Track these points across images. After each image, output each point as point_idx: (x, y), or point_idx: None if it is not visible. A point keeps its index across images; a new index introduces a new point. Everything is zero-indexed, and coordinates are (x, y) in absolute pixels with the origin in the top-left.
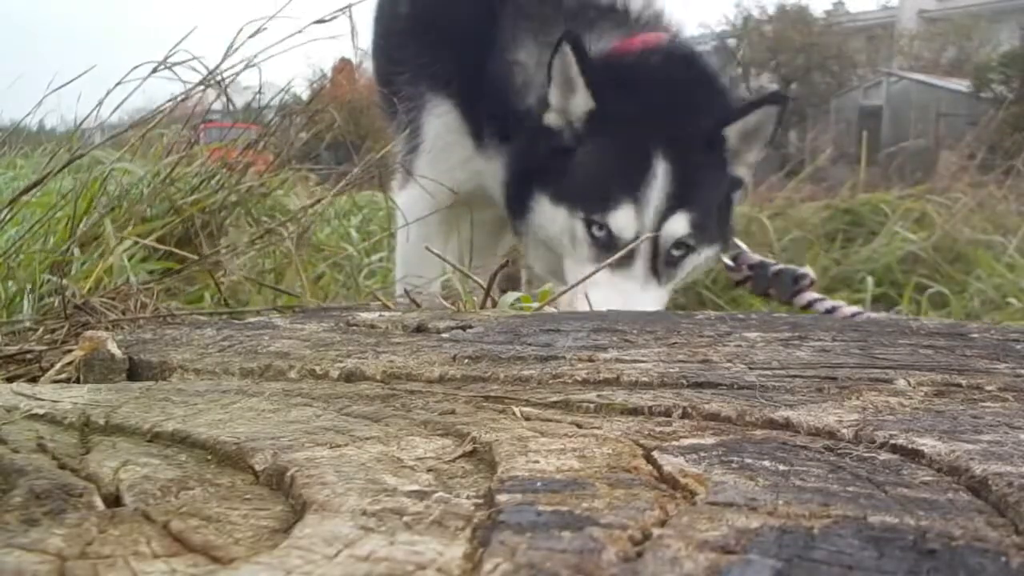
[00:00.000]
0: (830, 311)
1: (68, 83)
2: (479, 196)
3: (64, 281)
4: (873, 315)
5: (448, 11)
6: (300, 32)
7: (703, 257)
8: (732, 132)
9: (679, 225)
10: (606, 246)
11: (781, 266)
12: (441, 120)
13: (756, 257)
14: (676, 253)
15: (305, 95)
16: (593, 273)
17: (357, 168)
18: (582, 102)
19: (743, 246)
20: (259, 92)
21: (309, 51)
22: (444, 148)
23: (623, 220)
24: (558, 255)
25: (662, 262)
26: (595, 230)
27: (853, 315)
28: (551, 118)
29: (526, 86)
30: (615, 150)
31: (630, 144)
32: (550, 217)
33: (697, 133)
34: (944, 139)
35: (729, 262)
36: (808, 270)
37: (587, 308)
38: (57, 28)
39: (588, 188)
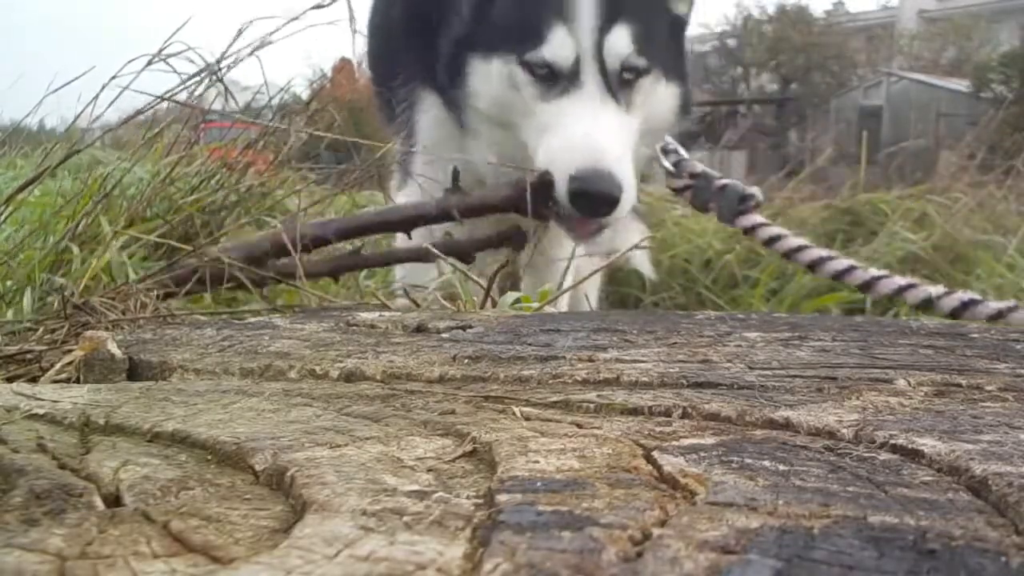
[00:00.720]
0: (774, 239)
1: (68, 83)
2: (475, 187)
3: (63, 280)
4: (823, 252)
5: (435, 10)
6: (298, 18)
7: (663, 88)
8: None
9: (621, 40)
10: (551, 81)
11: (727, 181)
12: (430, 114)
13: (700, 167)
14: (628, 76)
15: (305, 95)
16: (594, 273)
17: (352, 166)
18: None
19: (684, 153)
20: (263, 85)
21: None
22: (436, 143)
23: (558, 46)
24: (509, 126)
25: (615, 84)
26: (536, 69)
27: (798, 248)
28: None
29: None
30: None
31: None
32: (485, 75)
33: None
34: (944, 139)
35: (670, 167)
36: (756, 190)
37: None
38: (57, 28)
39: (513, 28)
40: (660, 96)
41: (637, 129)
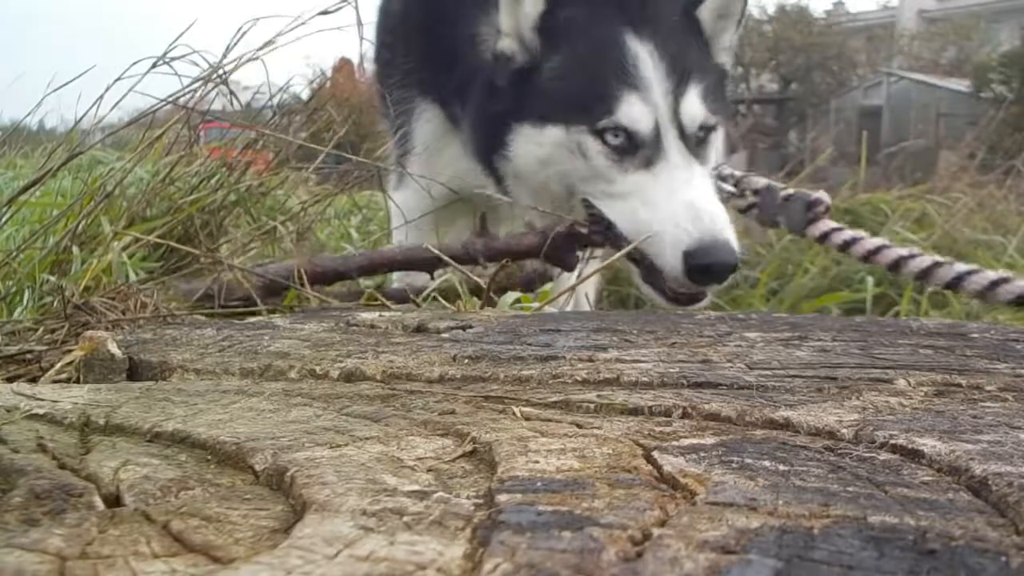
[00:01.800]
0: (850, 243)
1: (68, 83)
2: (471, 194)
3: (63, 281)
4: (903, 251)
5: (431, 14)
6: (304, 23)
7: (720, 137)
8: (705, 12)
9: (695, 102)
10: (627, 150)
11: (792, 191)
12: (430, 126)
13: (763, 181)
14: (701, 135)
15: (305, 95)
16: (593, 273)
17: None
18: (531, 6)
19: (737, 172)
20: (266, 86)
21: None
22: (434, 153)
23: (636, 112)
24: (556, 190)
25: (693, 146)
26: (609, 138)
27: (877, 249)
28: (505, 43)
29: (485, 49)
30: (586, 47)
31: (599, 34)
32: (538, 143)
33: (668, 12)
34: (944, 139)
35: (731, 188)
36: (823, 195)
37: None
38: (57, 28)
39: (577, 96)
40: (720, 143)
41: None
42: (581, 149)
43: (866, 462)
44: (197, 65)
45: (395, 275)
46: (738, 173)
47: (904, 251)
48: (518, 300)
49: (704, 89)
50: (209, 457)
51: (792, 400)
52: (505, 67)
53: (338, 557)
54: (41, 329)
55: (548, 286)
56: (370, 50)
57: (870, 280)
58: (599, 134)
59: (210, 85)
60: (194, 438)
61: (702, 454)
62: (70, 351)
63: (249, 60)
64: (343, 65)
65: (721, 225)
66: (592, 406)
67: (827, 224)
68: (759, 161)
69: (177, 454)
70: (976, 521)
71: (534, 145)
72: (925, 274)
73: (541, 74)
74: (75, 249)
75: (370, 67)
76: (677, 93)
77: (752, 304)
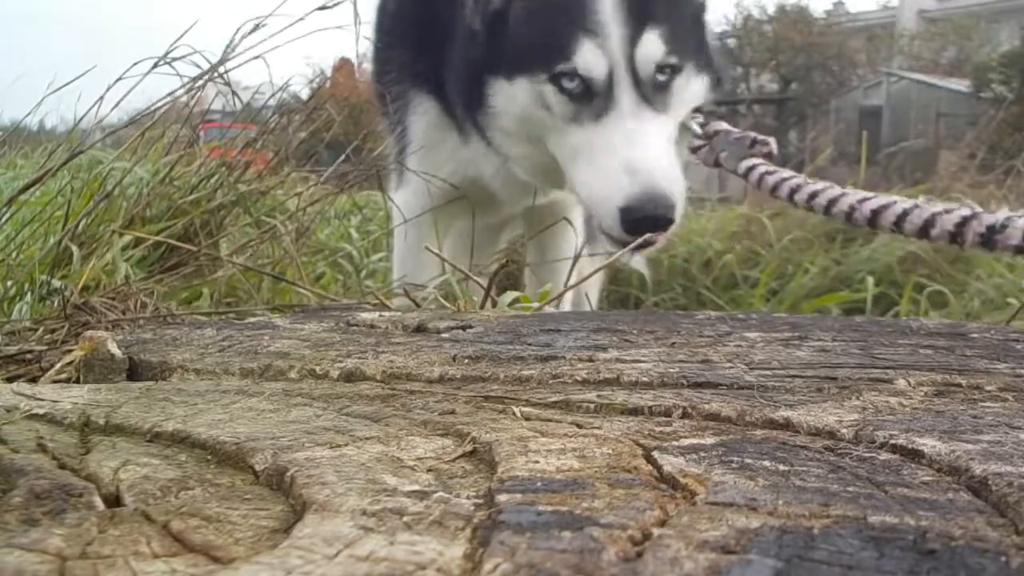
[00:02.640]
0: (766, 173)
1: (68, 83)
2: (472, 189)
3: (63, 281)
4: (813, 186)
5: (426, 8)
6: (303, 19)
7: (695, 83)
8: None
9: (652, 45)
10: (584, 100)
11: (746, 133)
12: (425, 119)
13: (723, 125)
14: (662, 78)
15: (304, 94)
16: (594, 273)
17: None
18: None
19: (723, 124)
20: (268, 84)
21: (308, 51)
22: (431, 146)
23: (590, 59)
24: (538, 141)
25: (649, 90)
26: (567, 85)
27: (792, 183)
28: None
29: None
30: None
31: None
32: (511, 96)
33: None
34: (944, 139)
35: (697, 128)
36: (771, 139)
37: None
38: (57, 27)
39: (537, 44)
40: (693, 89)
41: (674, 127)
42: (544, 100)
43: (866, 462)
44: (198, 66)
45: (395, 275)
46: (700, 117)
47: (820, 185)
48: (517, 300)
49: (667, 29)
50: (209, 457)
51: (792, 400)
52: (482, 9)
53: (338, 557)
54: (41, 329)
55: (548, 286)
56: (369, 49)
57: (870, 280)
58: (558, 83)
59: (210, 84)
60: (194, 438)
61: (702, 454)
62: (70, 351)
63: (249, 60)
64: (343, 65)
65: (659, 178)
66: (592, 406)
67: (755, 161)
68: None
69: (177, 454)
70: (976, 521)
71: (508, 99)
72: (831, 205)
73: (510, 19)
74: (75, 249)
75: (369, 66)
76: (634, 36)
77: (752, 304)
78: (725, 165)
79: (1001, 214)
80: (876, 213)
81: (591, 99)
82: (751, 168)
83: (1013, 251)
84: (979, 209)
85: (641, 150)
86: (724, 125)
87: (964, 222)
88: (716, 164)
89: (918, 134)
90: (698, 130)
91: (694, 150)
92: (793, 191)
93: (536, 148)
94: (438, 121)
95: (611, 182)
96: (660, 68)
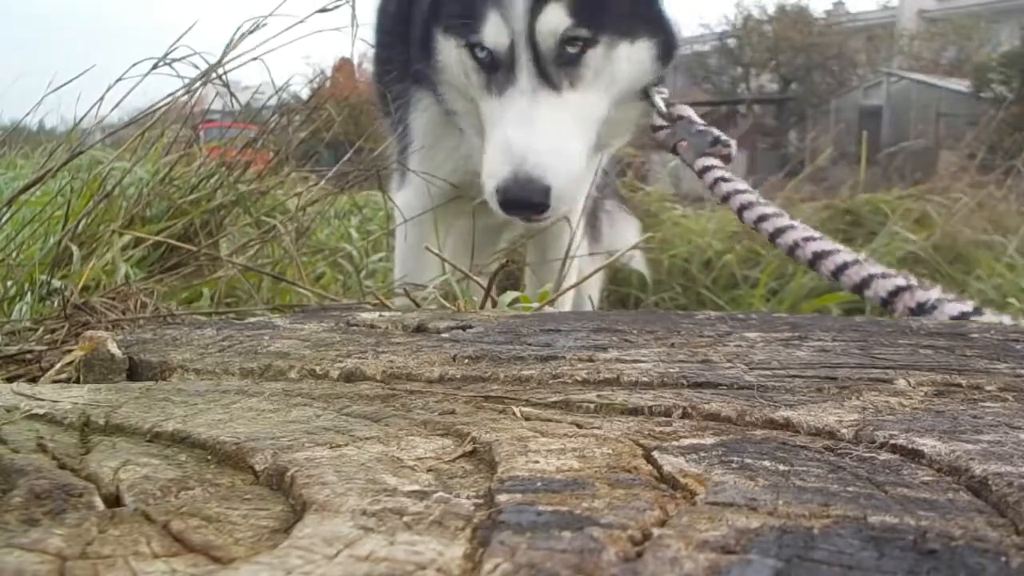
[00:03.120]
0: (718, 180)
1: (68, 83)
2: (473, 187)
3: (63, 281)
4: (748, 196)
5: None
6: (302, 22)
7: (628, 50)
8: None
9: (554, 16)
10: (493, 68)
11: (709, 128)
12: (426, 115)
13: (688, 110)
14: (572, 50)
15: (304, 94)
16: (593, 273)
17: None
18: None
19: (688, 111)
20: (268, 85)
21: (308, 51)
22: (432, 143)
23: (492, 32)
24: (473, 101)
25: (553, 65)
26: (478, 54)
27: (733, 192)
28: None
29: None
30: None
31: None
32: (447, 53)
33: None
34: (944, 139)
35: (662, 106)
36: (732, 142)
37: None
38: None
39: (459, 12)
40: (625, 59)
41: (596, 103)
42: (465, 68)
43: (866, 462)
44: (197, 67)
45: (396, 275)
46: (666, 93)
47: (785, 221)
48: (517, 300)
49: (574, 1)
50: (209, 457)
51: (792, 400)
52: None
53: (338, 557)
54: (41, 329)
55: (548, 286)
56: (369, 50)
57: None
58: (472, 53)
59: (209, 84)
60: (194, 438)
61: (702, 454)
62: (70, 351)
63: (249, 60)
64: (343, 65)
65: (532, 162)
66: (592, 406)
67: (711, 161)
68: (759, 161)
69: (177, 454)
70: (976, 521)
71: (447, 56)
72: (759, 222)
73: None
74: (75, 249)
75: (369, 67)
76: (536, 9)
77: (752, 304)
78: (682, 155)
79: (934, 293)
80: (817, 257)
81: (497, 71)
82: (707, 169)
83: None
84: (915, 283)
85: (524, 131)
86: (689, 111)
87: (898, 292)
88: (673, 151)
89: (918, 134)
90: (662, 108)
91: (655, 129)
92: (743, 207)
93: (474, 107)
94: (437, 118)
95: (493, 160)
96: (567, 41)
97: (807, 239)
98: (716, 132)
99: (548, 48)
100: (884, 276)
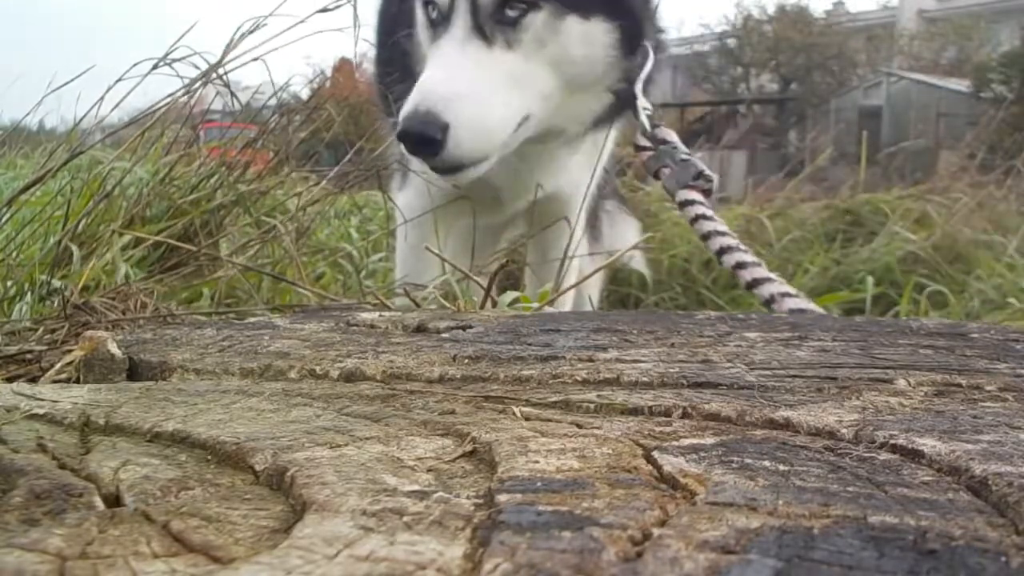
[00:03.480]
0: (697, 218)
1: (68, 83)
2: (474, 185)
3: (63, 281)
4: (727, 239)
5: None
6: (303, 22)
7: (576, 25)
8: None
9: None
10: (439, 23)
11: (693, 158)
12: None
13: (672, 136)
14: (511, 12)
15: (304, 94)
16: (593, 273)
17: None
18: None
19: (673, 136)
20: (268, 84)
21: (308, 51)
22: None
23: None
24: None
25: (491, 21)
26: (430, 11)
27: (711, 232)
28: None
29: None
30: None
31: None
32: (418, 19)
33: None
34: (944, 139)
35: (646, 122)
36: (714, 176)
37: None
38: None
39: None
40: (575, 35)
41: (535, 73)
42: (422, 28)
43: (866, 462)
44: (197, 68)
45: (396, 275)
46: (650, 108)
47: (734, 243)
48: (517, 300)
49: None
50: (209, 457)
51: (792, 400)
52: None
53: (338, 557)
54: (41, 329)
55: (548, 286)
56: (370, 51)
57: (870, 280)
58: (425, 9)
59: (209, 85)
60: (194, 438)
61: (702, 454)
62: (70, 351)
63: (250, 61)
64: (343, 65)
65: (437, 97)
66: (592, 406)
67: (693, 195)
68: (759, 161)
69: (177, 454)
70: (976, 521)
71: (418, 23)
72: (736, 268)
73: None
74: (75, 249)
75: (370, 67)
76: None
77: (752, 304)
78: (665, 183)
79: None
80: (791, 312)
81: (443, 24)
82: (689, 203)
83: None
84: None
85: (441, 73)
86: (673, 136)
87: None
88: (656, 176)
89: (918, 134)
90: (647, 127)
91: (638, 148)
92: (722, 251)
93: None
94: None
95: (406, 104)
96: (507, 2)
97: (784, 294)
98: (700, 165)
99: (486, 4)
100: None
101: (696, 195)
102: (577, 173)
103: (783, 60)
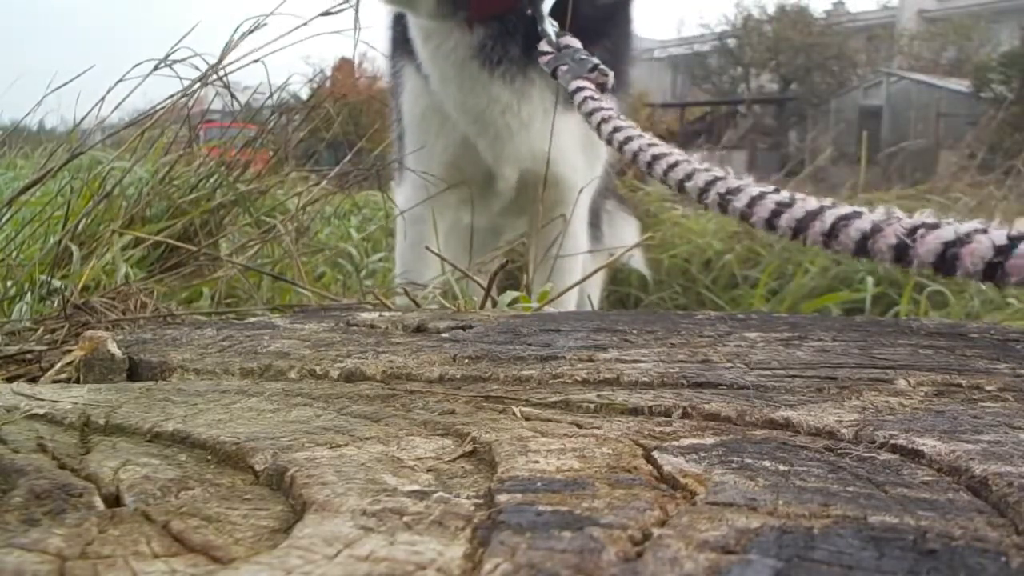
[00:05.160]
0: (584, 100)
1: (68, 83)
2: (467, 163)
3: (63, 281)
4: (618, 122)
5: None
6: (305, 24)
7: None
8: None
9: None
10: None
11: (592, 58)
12: (410, 84)
13: (575, 42)
14: None
15: (304, 94)
16: (593, 273)
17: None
18: None
19: (575, 42)
20: (266, 85)
21: (308, 51)
22: (421, 118)
23: None
24: None
25: None
26: None
27: (598, 114)
28: None
29: None
30: None
31: None
32: None
33: None
34: (944, 139)
35: (551, 33)
36: (611, 74)
37: None
38: (57, 27)
39: None
40: None
41: None
42: None
43: (866, 462)
44: (197, 69)
45: (396, 274)
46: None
47: (663, 149)
48: (516, 300)
49: None
50: (209, 457)
51: (792, 400)
52: None
53: (338, 557)
54: (41, 329)
55: (547, 286)
56: (370, 51)
57: (870, 280)
58: None
59: (209, 89)
60: (194, 438)
61: (702, 454)
62: (70, 351)
63: (250, 62)
64: (343, 65)
65: None
66: (592, 406)
67: (583, 83)
68: (759, 161)
69: (177, 454)
70: (976, 521)
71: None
72: (624, 144)
73: None
74: (75, 249)
75: (370, 67)
76: None
77: (752, 304)
78: (561, 80)
79: (744, 182)
80: (655, 159)
81: None
82: (579, 90)
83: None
84: (728, 174)
85: None
86: (576, 42)
87: (714, 181)
88: (553, 75)
89: (918, 134)
90: (552, 37)
91: (539, 54)
92: (603, 121)
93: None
94: (423, 88)
95: None
96: None
97: (650, 144)
98: (596, 60)
99: None
100: (707, 171)
101: (587, 83)
102: (572, 155)
103: (783, 60)
